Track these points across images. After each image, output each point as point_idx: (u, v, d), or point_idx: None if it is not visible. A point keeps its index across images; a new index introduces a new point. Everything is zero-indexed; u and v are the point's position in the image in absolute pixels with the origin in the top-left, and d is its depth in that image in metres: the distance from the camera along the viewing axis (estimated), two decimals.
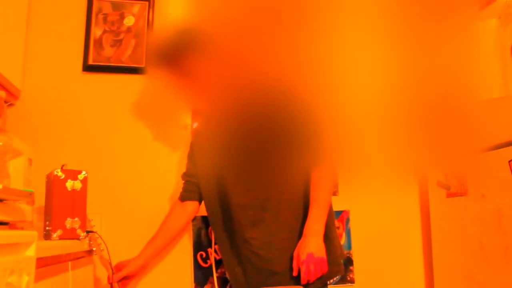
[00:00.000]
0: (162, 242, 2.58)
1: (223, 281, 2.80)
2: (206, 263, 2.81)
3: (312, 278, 2.07)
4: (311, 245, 2.08)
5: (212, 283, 2.81)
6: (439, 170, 2.75)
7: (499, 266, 2.29)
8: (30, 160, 2.33)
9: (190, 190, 2.57)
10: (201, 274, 2.81)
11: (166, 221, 2.60)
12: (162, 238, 2.57)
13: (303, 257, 2.07)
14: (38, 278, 1.63)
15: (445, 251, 2.73)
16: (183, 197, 2.60)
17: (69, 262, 2.17)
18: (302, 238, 2.14)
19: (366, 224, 3.00)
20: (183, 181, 2.61)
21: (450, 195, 2.67)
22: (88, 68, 2.92)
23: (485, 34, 2.33)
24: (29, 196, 1.76)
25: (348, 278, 2.95)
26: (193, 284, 2.81)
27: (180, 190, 2.62)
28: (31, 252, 1.59)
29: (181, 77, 2.24)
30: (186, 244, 2.85)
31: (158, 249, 2.58)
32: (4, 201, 1.64)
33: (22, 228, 1.75)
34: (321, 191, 2.18)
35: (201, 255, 2.82)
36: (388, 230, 3.05)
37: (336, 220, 2.91)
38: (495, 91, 2.27)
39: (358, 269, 2.96)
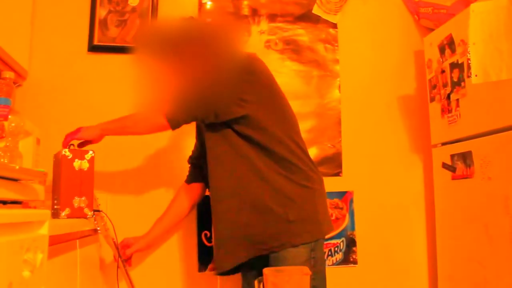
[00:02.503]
0: (169, 223, 2.60)
1: None
2: (210, 242, 2.82)
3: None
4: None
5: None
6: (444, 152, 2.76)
7: (504, 249, 2.30)
8: (38, 140, 2.33)
9: (195, 173, 2.59)
10: (206, 253, 2.82)
11: (173, 202, 2.62)
12: (169, 218, 2.60)
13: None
14: (49, 256, 1.64)
15: (449, 234, 2.74)
16: (188, 180, 2.62)
17: (77, 241, 2.19)
18: None
19: (370, 206, 3.01)
20: (189, 164, 2.63)
21: (455, 177, 2.67)
22: (94, 48, 2.92)
23: (496, 14, 2.33)
24: (42, 176, 1.76)
25: (351, 259, 2.97)
26: (198, 263, 2.82)
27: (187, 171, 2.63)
28: (44, 230, 1.60)
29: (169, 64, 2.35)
30: (190, 224, 2.86)
31: (165, 229, 2.62)
32: (18, 181, 1.64)
33: (34, 207, 1.76)
34: (131, 116, 2.37)
35: (205, 235, 2.83)
36: (392, 212, 3.06)
37: (339, 201, 2.93)
38: (504, 72, 2.27)
39: (361, 250, 2.98)
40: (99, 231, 2.30)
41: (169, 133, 2.76)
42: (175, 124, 2.24)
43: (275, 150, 2.18)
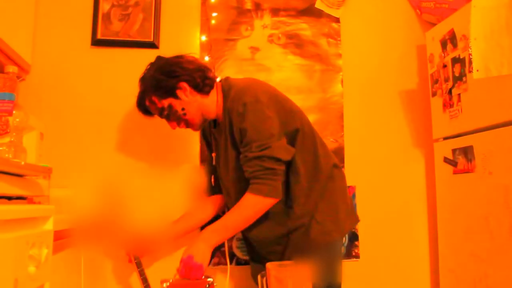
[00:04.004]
0: (189, 227, 2.59)
1: (230, 255, 2.82)
2: None
3: (182, 276, 2.12)
4: (195, 250, 2.12)
5: (219, 256, 2.83)
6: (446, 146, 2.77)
7: (505, 243, 2.31)
8: (41, 134, 2.34)
9: (213, 185, 2.61)
10: None
11: (195, 211, 2.61)
12: (190, 223, 2.59)
13: (184, 255, 2.13)
14: (53, 251, 1.65)
15: (451, 228, 2.75)
16: (209, 193, 2.65)
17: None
18: (195, 239, 2.18)
19: (372, 200, 3.02)
20: (208, 175, 2.68)
21: (456, 171, 2.68)
22: (97, 42, 2.93)
23: (497, 9, 2.33)
24: (47, 171, 1.77)
25: (353, 253, 2.98)
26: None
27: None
28: (49, 225, 1.62)
29: None
30: None
31: (184, 232, 2.59)
32: (23, 176, 1.66)
33: (39, 203, 1.77)
34: (236, 213, 2.17)
35: None
36: (394, 206, 3.07)
37: None
38: (506, 67, 2.27)
39: (363, 245, 2.99)
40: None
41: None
42: (277, 194, 2.14)
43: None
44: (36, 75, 2.81)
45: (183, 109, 2.25)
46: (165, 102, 2.24)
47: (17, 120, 1.79)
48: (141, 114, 2.40)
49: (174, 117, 2.28)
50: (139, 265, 2.42)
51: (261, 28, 3.05)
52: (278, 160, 2.09)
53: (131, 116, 2.87)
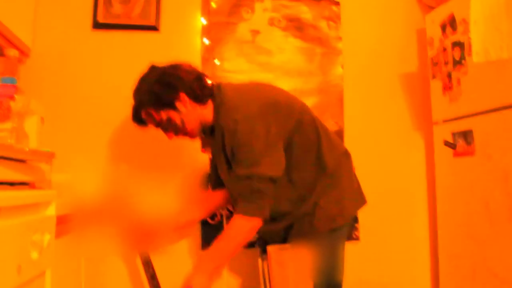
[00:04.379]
0: (192, 218, 2.58)
1: None
2: (213, 220, 2.84)
3: None
4: (195, 282, 2.11)
5: None
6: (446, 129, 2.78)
7: (504, 226, 2.33)
8: (42, 119, 2.35)
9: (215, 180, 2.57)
10: (209, 231, 2.84)
11: (198, 203, 2.59)
12: (194, 215, 2.57)
13: (185, 284, 2.13)
14: (55, 235, 1.67)
15: (450, 211, 2.77)
16: (212, 187, 2.61)
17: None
18: (195, 268, 2.17)
19: (372, 183, 3.02)
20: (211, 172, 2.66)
21: (456, 154, 2.70)
22: (98, 25, 2.92)
23: None
24: (49, 156, 1.78)
25: (354, 236, 3.00)
26: (201, 241, 2.84)
27: None
28: (51, 211, 1.63)
29: None
30: None
31: (187, 224, 2.58)
32: (26, 162, 1.67)
33: (41, 187, 1.79)
34: (227, 238, 2.14)
35: None
36: (393, 188, 3.09)
37: None
38: (505, 52, 2.28)
39: (363, 227, 3.01)
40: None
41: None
42: (264, 214, 2.10)
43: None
44: (36, 59, 2.81)
45: (182, 120, 2.18)
46: (164, 114, 2.17)
47: (19, 105, 1.80)
48: (136, 126, 2.31)
49: (172, 129, 2.21)
50: (148, 264, 2.43)
51: (262, 11, 3.05)
52: (267, 178, 2.06)
53: (132, 100, 2.88)
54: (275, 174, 2.06)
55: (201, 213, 2.55)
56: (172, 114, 2.15)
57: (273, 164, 2.07)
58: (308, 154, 2.19)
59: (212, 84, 2.23)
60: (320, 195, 2.18)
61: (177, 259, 2.82)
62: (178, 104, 2.13)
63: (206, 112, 2.19)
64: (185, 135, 2.24)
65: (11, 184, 1.52)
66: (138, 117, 2.25)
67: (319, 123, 2.29)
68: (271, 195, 2.09)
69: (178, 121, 2.16)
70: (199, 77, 2.20)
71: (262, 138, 2.04)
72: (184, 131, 2.22)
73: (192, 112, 2.17)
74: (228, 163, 2.17)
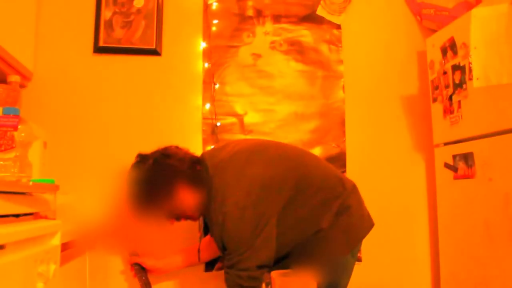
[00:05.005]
0: (196, 260, 2.64)
1: None
2: None
3: None
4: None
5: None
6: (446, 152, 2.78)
7: (505, 248, 2.33)
8: (45, 143, 2.36)
9: None
10: None
11: (205, 246, 2.64)
12: (201, 256, 2.63)
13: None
14: (60, 263, 1.67)
15: (451, 232, 2.77)
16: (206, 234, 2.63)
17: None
18: None
19: (374, 205, 3.01)
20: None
21: (457, 177, 2.70)
22: (99, 49, 2.94)
23: (496, 19, 2.35)
24: (54, 189, 1.79)
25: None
26: (200, 232, 2.86)
27: None
28: (56, 240, 1.64)
29: None
30: (195, 224, 2.86)
31: (191, 264, 2.65)
32: (30, 194, 1.67)
33: (45, 217, 1.79)
34: None
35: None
36: (395, 210, 3.09)
37: None
38: (505, 76, 2.29)
39: (365, 248, 3.00)
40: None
41: (174, 132, 2.83)
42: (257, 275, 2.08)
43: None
44: (38, 83, 2.83)
45: (182, 207, 2.16)
46: (164, 205, 2.15)
47: (23, 135, 1.81)
48: None
49: (173, 216, 2.20)
50: (139, 271, 2.44)
51: (263, 34, 3.07)
52: (258, 268, 2.04)
53: (133, 123, 2.89)
54: (264, 260, 2.05)
55: (206, 257, 2.61)
56: (172, 202, 2.13)
57: (262, 251, 2.04)
58: (312, 202, 2.17)
59: (201, 165, 2.20)
60: (327, 224, 2.16)
61: (180, 282, 2.83)
62: (176, 194, 2.11)
63: (201, 196, 2.14)
64: (187, 219, 2.23)
65: (16, 215, 1.53)
66: (137, 209, 2.22)
67: (321, 171, 2.27)
68: (263, 277, 2.09)
69: (178, 209, 2.15)
70: (193, 162, 2.19)
71: (251, 229, 2.01)
72: (186, 216, 2.21)
73: (190, 198, 2.14)
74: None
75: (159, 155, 2.18)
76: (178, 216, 2.19)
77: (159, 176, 2.10)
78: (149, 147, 2.80)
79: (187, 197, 2.13)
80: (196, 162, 2.20)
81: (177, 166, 2.13)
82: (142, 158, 2.20)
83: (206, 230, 2.53)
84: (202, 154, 2.32)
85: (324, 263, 2.16)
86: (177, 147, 2.25)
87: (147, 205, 2.16)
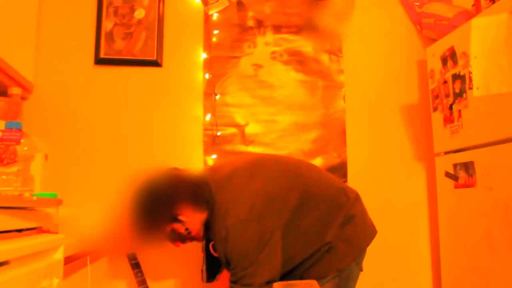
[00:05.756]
0: None
1: None
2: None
3: None
4: None
5: None
6: (447, 161, 2.79)
7: (505, 257, 2.33)
8: (46, 156, 2.37)
9: None
10: (214, 263, 2.81)
11: None
12: None
13: None
14: (63, 276, 1.68)
15: (452, 241, 2.77)
16: None
17: (88, 256, 2.23)
18: None
19: (374, 214, 3.01)
20: None
21: (458, 186, 2.70)
22: (100, 61, 2.96)
23: (496, 29, 2.35)
24: (57, 203, 1.79)
25: None
26: (206, 274, 2.85)
27: None
28: (59, 255, 1.64)
29: None
30: None
31: None
32: (33, 209, 1.68)
33: (48, 231, 1.79)
34: None
35: (213, 245, 2.82)
36: (396, 219, 3.10)
37: None
38: (505, 86, 2.30)
39: (366, 257, 2.97)
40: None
41: (174, 143, 2.83)
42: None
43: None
44: (39, 94, 2.84)
45: (187, 229, 2.12)
46: (168, 228, 2.11)
47: (25, 149, 1.81)
48: None
49: (178, 239, 2.16)
50: (136, 265, 2.43)
51: (264, 45, 3.08)
52: (261, 283, 2.00)
53: (135, 135, 2.90)
54: (271, 278, 2.02)
55: None
56: (176, 226, 2.10)
57: (266, 265, 2.01)
58: (315, 214, 2.15)
59: (203, 184, 2.15)
60: (332, 237, 2.16)
61: None
62: (181, 217, 2.08)
63: (205, 215, 2.11)
64: (192, 240, 2.20)
65: (19, 230, 1.53)
66: (141, 233, 2.21)
67: (322, 181, 2.26)
68: None
69: (183, 230, 2.12)
70: (196, 183, 2.14)
71: (255, 243, 1.99)
72: (191, 238, 2.17)
73: (194, 219, 2.11)
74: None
75: (164, 179, 2.14)
76: (183, 238, 2.16)
77: (162, 202, 2.07)
78: (150, 159, 2.84)
79: (192, 219, 2.10)
80: (197, 182, 2.15)
81: (179, 190, 2.10)
82: (143, 183, 2.15)
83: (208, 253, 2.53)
84: (203, 172, 2.29)
85: (330, 275, 2.16)
86: (176, 169, 2.21)
87: (152, 230, 2.13)
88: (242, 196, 2.05)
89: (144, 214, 2.07)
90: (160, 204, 2.06)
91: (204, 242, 2.75)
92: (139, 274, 2.43)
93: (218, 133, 2.97)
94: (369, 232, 2.34)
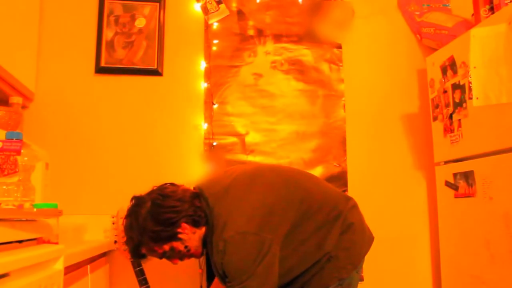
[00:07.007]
0: None
1: None
2: None
3: None
4: None
5: None
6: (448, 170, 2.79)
7: (505, 266, 2.33)
8: (47, 164, 2.36)
9: None
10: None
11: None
12: None
13: None
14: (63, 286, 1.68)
15: (453, 250, 2.77)
16: None
17: (88, 266, 2.23)
18: None
19: (374, 223, 3.01)
20: None
21: (458, 195, 2.71)
22: (101, 70, 2.97)
23: (495, 39, 2.36)
24: (57, 214, 1.79)
25: None
26: (207, 285, 2.82)
27: None
28: (59, 265, 1.64)
29: None
30: None
31: None
32: (34, 220, 1.68)
33: (48, 241, 1.79)
34: None
35: None
36: (396, 228, 3.10)
37: None
38: (505, 96, 2.30)
39: (366, 267, 2.98)
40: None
41: (175, 151, 2.83)
42: None
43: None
44: (40, 103, 2.85)
45: (186, 246, 2.09)
46: (167, 247, 2.08)
47: (26, 159, 1.81)
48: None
49: (177, 256, 2.14)
50: (140, 273, 2.42)
51: (264, 54, 3.09)
52: None
53: (135, 144, 2.90)
54: (265, 286, 2.00)
55: None
56: (175, 244, 2.07)
57: (262, 277, 1.98)
58: (314, 223, 2.14)
59: (200, 199, 2.13)
60: (331, 247, 2.15)
61: None
62: (180, 235, 2.06)
63: (203, 230, 2.10)
64: (190, 257, 2.18)
65: (20, 241, 1.53)
66: (138, 254, 2.15)
67: (320, 190, 2.25)
68: None
69: (182, 248, 2.09)
70: (193, 199, 2.11)
71: (253, 256, 1.96)
72: (190, 255, 2.15)
73: (193, 236, 2.08)
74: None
75: (156, 196, 2.10)
76: (182, 255, 2.13)
77: (159, 221, 2.04)
78: (151, 167, 2.83)
79: (190, 236, 2.07)
80: (195, 197, 2.13)
81: (177, 207, 2.07)
82: (138, 201, 2.12)
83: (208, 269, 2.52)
84: (199, 185, 2.24)
85: (331, 285, 2.15)
86: (172, 184, 2.19)
87: (149, 249, 2.10)
88: (240, 208, 2.04)
89: (141, 234, 2.05)
90: (158, 224, 2.03)
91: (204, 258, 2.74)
92: (143, 282, 2.42)
93: (214, 143, 2.97)
94: (368, 239, 2.33)
